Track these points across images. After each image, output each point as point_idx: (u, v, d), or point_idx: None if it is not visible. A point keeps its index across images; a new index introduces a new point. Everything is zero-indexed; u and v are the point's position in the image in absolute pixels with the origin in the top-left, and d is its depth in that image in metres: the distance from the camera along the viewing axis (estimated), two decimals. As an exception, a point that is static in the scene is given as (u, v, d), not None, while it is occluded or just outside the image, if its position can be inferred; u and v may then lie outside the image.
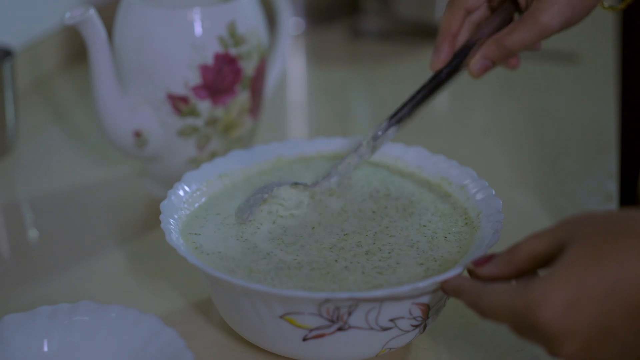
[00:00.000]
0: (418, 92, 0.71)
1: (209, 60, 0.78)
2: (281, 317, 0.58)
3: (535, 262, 0.53)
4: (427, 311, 0.60)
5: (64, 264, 0.76)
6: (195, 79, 0.79)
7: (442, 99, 1.11)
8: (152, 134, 0.80)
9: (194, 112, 0.80)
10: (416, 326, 0.61)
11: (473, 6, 0.73)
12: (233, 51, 0.79)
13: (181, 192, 0.68)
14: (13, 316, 0.59)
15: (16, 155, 0.95)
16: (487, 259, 0.56)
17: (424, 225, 0.67)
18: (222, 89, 0.80)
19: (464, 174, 0.70)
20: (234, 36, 0.79)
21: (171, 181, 0.81)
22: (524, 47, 0.70)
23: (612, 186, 0.87)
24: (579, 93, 1.10)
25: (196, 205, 0.69)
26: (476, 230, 0.65)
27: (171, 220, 0.65)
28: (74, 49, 1.15)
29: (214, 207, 0.69)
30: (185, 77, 0.78)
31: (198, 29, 0.78)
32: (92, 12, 0.75)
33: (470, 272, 0.58)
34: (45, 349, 0.59)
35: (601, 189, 0.87)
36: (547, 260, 0.52)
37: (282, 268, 0.62)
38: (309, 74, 1.20)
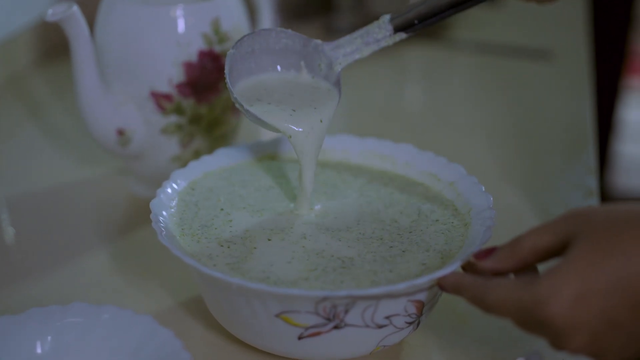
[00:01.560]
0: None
1: (193, 57, 0.78)
2: (277, 315, 0.58)
3: (537, 256, 0.54)
4: (422, 308, 0.60)
5: (48, 265, 0.75)
6: (179, 76, 0.78)
7: (422, 97, 1.11)
8: (135, 132, 0.80)
9: (177, 110, 0.79)
10: (410, 323, 0.61)
11: None
12: (217, 48, 0.79)
13: (169, 190, 0.68)
14: (4, 318, 0.58)
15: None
16: (488, 252, 0.56)
17: (414, 221, 0.67)
18: (206, 86, 0.79)
19: (453, 171, 0.70)
20: (218, 33, 0.79)
21: (154, 179, 0.80)
22: None
23: (592, 181, 0.88)
24: (554, 89, 1.11)
25: (185, 202, 0.68)
26: (468, 226, 0.65)
27: (161, 219, 0.64)
28: (49, 45, 1.14)
29: (203, 203, 0.68)
30: (169, 74, 0.78)
31: (182, 26, 0.78)
32: (75, 9, 0.74)
33: (466, 268, 0.59)
34: (39, 351, 0.58)
35: (582, 183, 0.88)
36: (550, 254, 0.53)
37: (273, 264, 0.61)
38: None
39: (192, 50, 0.78)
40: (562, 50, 1.22)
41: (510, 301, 0.51)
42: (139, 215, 0.82)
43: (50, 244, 0.78)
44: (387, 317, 0.59)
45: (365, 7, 1.29)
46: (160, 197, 0.66)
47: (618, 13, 1.81)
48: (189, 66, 0.78)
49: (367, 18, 1.28)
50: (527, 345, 0.64)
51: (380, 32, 0.69)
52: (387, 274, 0.61)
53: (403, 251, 0.63)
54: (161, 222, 0.63)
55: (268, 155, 0.75)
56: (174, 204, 0.67)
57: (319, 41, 0.69)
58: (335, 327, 0.58)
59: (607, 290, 0.48)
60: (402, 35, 0.69)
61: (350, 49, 0.69)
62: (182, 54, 0.78)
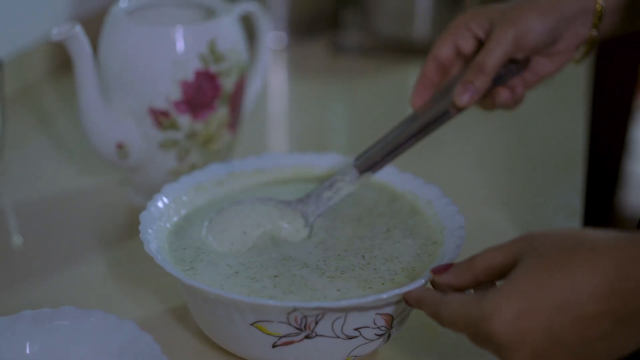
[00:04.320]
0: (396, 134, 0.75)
1: (190, 76, 0.82)
2: (252, 324, 0.62)
3: (491, 274, 0.56)
4: (391, 321, 0.64)
5: (47, 270, 0.79)
6: (176, 94, 0.82)
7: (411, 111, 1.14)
8: (134, 146, 0.83)
9: (174, 126, 0.83)
10: (380, 335, 0.64)
11: (446, 59, 0.77)
12: (213, 68, 0.83)
13: (160, 204, 0.72)
14: (-3, 319, 0.62)
15: (2, 162, 0.98)
16: (446, 268, 0.59)
17: (391, 239, 0.70)
18: (202, 104, 0.83)
19: (430, 191, 0.74)
20: (214, 53, 0.82)
21: (152, 190, 0.84)
22: (500, 62, 0.73)
23: (577, 202, 0.91)
24: (550, 112, 1.14)
25: (174, 216, 0.72)
26: (440, 245, 0.68)
27: (149, 231, 0.68)
28: (60, 60, 1.18)
29: (193, 216, 0.72)
30: (166, 92, 0.82)
31: (180, 46, 0.81)
32: (78, 29, 0.78)
33: (432, 283, 0.62)
34: (27, 351, 0.62)
35: (568, 205, 0.91)
36: (503, 272, 0.55)
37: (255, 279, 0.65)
38: (290, 88, 1.24)
39: (188, 70, 0.82)
40: (562, 73, 1.25)
41: (460, 316, 0.54)
42: (137, 224, 0.85)
43: (50, 250, 0.83)
44: (357, 329, 0.62)
45: (372, 24, 1.32)
46: (151, 209, 0.70)
47: (631, 35, 1.83)
48: (185, 85, 0.82)
49: (373, 36, 1.31)
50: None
51: (346, 178, 0.74)
52: (358, 290, 0.64)
53: (379, 268, 0.67)
54: (149, 234, 0.67)
55: (258, 171, 0.79)
56: (163, 216, 0.71)
57: (293, 201, 0.73)
58: (307, 337, 0.62)
59: (552, 309, 0.50)
60: (370, 175, 0.75)
61: (320, 202, 0.73)
62: (179, 73, 0.81)
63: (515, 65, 0.76)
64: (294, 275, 0.65)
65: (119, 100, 0.83)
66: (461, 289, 0.58)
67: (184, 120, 0.83)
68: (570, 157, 1.01)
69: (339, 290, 0.64)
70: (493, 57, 0.73)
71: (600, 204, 1.28)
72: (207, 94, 0.83)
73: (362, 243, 0.69)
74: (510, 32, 0.73)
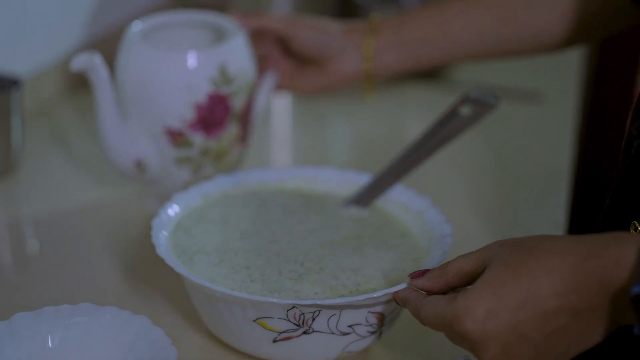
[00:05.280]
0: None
1: (202, 98, 0.87)
2: (254, 320, 0.67)
3: (461, 279, 0.61)
4: (382, 319, 0.69)
5: (64, 272, 0.85)
6: (189, 115, 0.87)
7: (410, 133, 1.20)
8: (151, 162, 0.89)
9: (188, 144, 0.89)
10: (372, 332, 0.70)
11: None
12: (224, 90, 0.88)
13: (170, 211, 0.77)
14: (22, 314, 0.68)
15: (21, 175, 1.03)
16: (421, 273, 0.64)
17: (388, 245, 0.76)
18: (214, 123, 0.88)
19: (421, 202, 0.79)
20: (225, 76, 0.88)
21: (168, 199, 0.90)
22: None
23: (561, 215, 0.96)
24: (537, 129, 1.19)
25: (182, 221, 0.78)
26: (427, 252, 0.74)
27: (160, 235, 0.74)
28: (77, 78, 1.24)
29: (200, 224, 0.78)
30: (180, 113, 0.87)
31: (192, 71, 0.87)
32: (96, 60, 0.83)
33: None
34: (49, 344, 0.67)
35: (551, 218, 0.96)
36: (473, 277, 0.60)
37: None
38: (293, 103, 1.28)
39: (201, 93, 0.87)
40: (553, 92, 1.30)
41: (436, 316, 0.59)
42: (148, 230, 0.92)
43: (68, 254, 0.89)
44: (350, 326, 0.68)
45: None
46: (161, 216, 0.76)
47: (627, 56, 1.87)
48: (198, 107, 0.87)
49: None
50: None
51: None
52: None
53: (372, 273, 0.73)
54: (160, 238, 0.73)
55: (261, 183, 0.85)
56: (172, 222, 0.77)
57: None
58: (305, 333, 0.68)
59: (516, 307, 0.55)
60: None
61: None
62: (192, 96, 0.87)
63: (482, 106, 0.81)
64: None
65: (136, 119, 0.89)
66: (435, 293, 0.63)
67: (198, 138, 0.88)
68: (556, 173, 1.06)
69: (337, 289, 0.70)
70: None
71: (591, 219, 1.32)
72: (219, 114, 0.88)
73: (364, 254, 0.75)
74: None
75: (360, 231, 0.78)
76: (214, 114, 0.88)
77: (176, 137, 0.88)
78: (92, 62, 0.83)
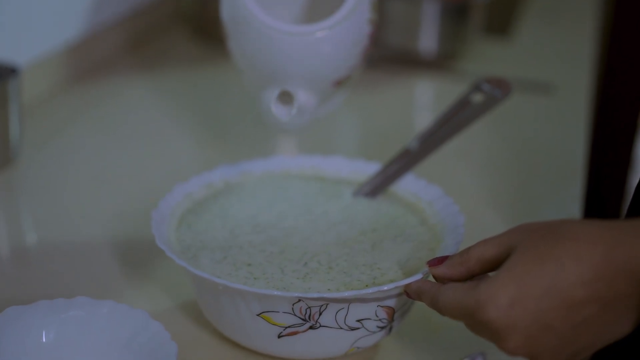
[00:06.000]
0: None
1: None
2: (258, 314, 0.64)
3: (483, 266, 0.59)
4: (392, 314, 0.66)
5: (62, 268, 0.82)
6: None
7: (419, 123, 1.17)
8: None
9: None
10: (382, 327, 0.67)
11: None
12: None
13: (170, 202, 0.74)
14: (15, 308, 0.64)
15: (19, 167, 1.01)
16: (441, 260, 0.62)
17: (398, 237, 0.73)
18: None
19: (433, 192, 0.76)
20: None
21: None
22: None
23: (576, 208, 0.93)
24: (551, 120, 1.17)
25: (184, 211, 0.75)
26: (440, 242, 0.71)
27: (160, 226, 0.71)
28: (77, 68, 1.22)
29: (200, 215, 0.75)
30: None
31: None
32: None
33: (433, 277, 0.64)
34: (44, 339, 0.64)
35: (566, 210, 0.93)
36: (495, 264, 0.58)
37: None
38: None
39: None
40: (565, 84, 1.28)
41: (457, 305, 0.57)
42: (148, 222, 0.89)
43: (66, 247, 0.86)
44: (359, 321, 0.65)
45: (379, 36, 1.35)
46: (161, 207, 0.73)
47: (638, 47, 1.85)
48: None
49: (380, 48, 1.34)
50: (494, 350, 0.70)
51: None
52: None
53: (385, 265, 0.69)
54: (159, 229, 0.70)
55: (266, 172, 0.82)
56: (175, 213, 0.74)
57: None
58: (311, 328, 0.64)
59: (541, 295, 0.53)
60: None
61: None
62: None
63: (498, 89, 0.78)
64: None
65: None
66: (456, 281, 0.60)
67: None
68: (570, 165, 1.03)
69: (344, 281, 0.67)
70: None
71: (604, 215, 1.30)
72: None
73: (377, 246, 0.72)
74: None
75: (374, 223, 0.75)
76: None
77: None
78: None
